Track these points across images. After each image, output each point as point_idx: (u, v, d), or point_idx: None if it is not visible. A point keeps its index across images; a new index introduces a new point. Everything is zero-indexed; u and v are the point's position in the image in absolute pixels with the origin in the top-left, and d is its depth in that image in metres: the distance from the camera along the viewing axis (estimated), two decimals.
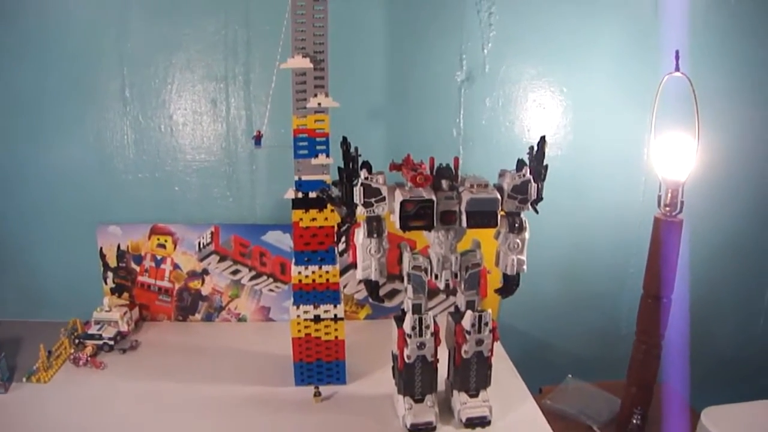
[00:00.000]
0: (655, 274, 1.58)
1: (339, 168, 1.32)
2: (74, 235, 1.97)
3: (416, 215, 1.28)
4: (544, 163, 1.35)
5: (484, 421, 1.44)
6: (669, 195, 1.55)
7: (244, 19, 1.84)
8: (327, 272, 1.54)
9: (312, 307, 1.56)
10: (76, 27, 1.83)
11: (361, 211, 1.32)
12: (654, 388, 1.66)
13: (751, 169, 2.08)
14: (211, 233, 1.93)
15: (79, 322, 1.83)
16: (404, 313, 1.41)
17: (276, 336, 1.83)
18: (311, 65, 1.42)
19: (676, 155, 1.52)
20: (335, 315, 1.56)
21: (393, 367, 1.48)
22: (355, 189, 1.31)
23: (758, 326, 2.29)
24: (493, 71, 1.93)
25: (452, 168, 1.34)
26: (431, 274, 1.39)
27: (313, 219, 1.51)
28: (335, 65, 1.44)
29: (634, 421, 1.64)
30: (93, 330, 1.80)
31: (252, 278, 1.97)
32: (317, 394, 1.54)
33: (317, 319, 1.56)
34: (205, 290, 1.98)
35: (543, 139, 1.34)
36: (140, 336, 1.89)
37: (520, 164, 1.35)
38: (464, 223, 1.30)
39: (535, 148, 1.35)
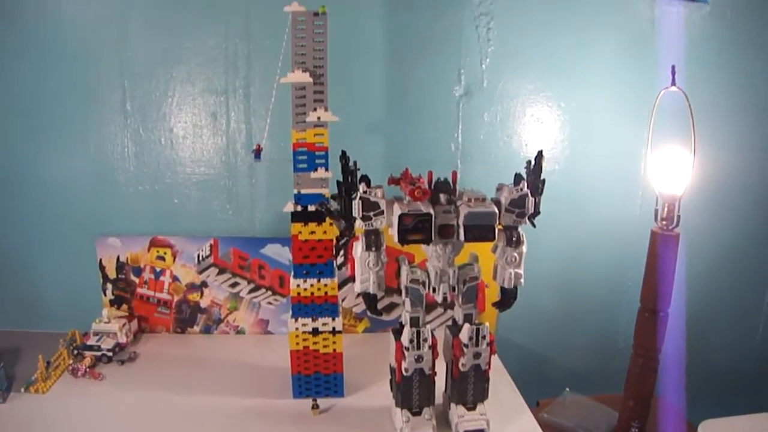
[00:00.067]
0: (652, 288, 1.59)
1: (338, 182, 1.33)
2: (74, 246, 1.97)
3: (414, 229, 1.28)
4: (542, 178, 1.36)
5: None
6: (666, 209, 1.55)
7: (244, 34, 1.85)
8: (325, 285, 1.55)
9: (310, 319, 1.56)
10: (78, 41, 1.85)
11: (359, 225, 1.33)
12: (651, 402, 1.66)
13: (747, 183, 2.10)
14: (211, 246, 1.94)
15: (77, 333, 1.84)
16: (402, 326, 1.42)
17: (274, 348, 1.84)
18: (311, 80, 1.43)
19: (673, 169, 1.53)
20: (333, 328, 1.57)
21: (391, 380, 1.49)
22: (353, 202, 1.32)
23: (755, 340, 2.29)
24: (492, 86, 1.94)
25: (450, 182, 1.35)
26: (429, 288, 1.39)
27: (312, 232, 1.52)
28: (335, 80, 1.45)
29: None
30: (92, 341, 1.79)
31: (251, 291, 1.97)
32: (315, 406, 1.54)
33: (315, 331, 1.57)
34: (204, 302, 1.98)
35: (540, 153, 1.36)
36: (139, 348, 1.89)
37: (518, 178, 1.36)
38: (462, 237, 1.31)
39: (533, 163, 1.36)
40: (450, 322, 1.51)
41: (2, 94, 1.88)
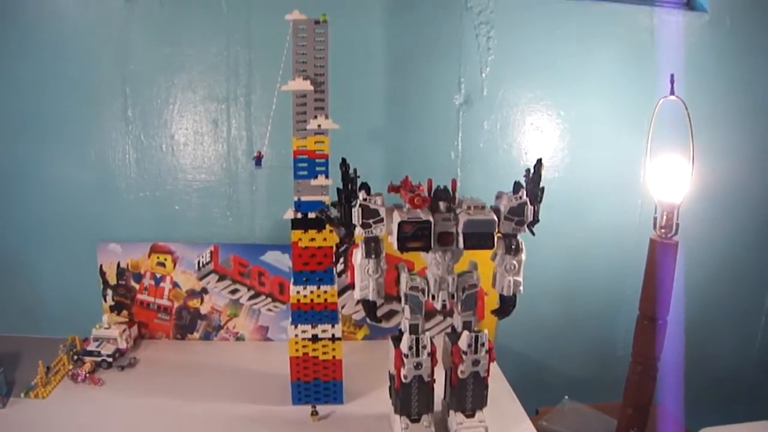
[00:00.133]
0: (650, 296, 1.59)
1: (338, 189, 1.34)
2: (75, 252, 1.97)
3: (414, 236, 1.29)
4: (541, 186, 1.36)
5: None
6: (664, 217, 1.56)
7: (245, 41, 1.86)
8: (325, 292, 1.55)
9: (310, 326, 1.56)
10: (80, 48, 1.86)
11: (359, 232, 1.34)
12: (650, 410, 1.66)
13: (745, 192, 2.11)
14: (211, 252, 1.94)
15: (78, 338, 1.84)
16: (401, 333, 1.42)
17: (274, 355, 1.84)
18: (312, 87, 1.44)
19: (672, 178, 1.54)
20: (333, 335, 1.57)
21: (390, 387, 1.49)
22: (353, 210, 1.32)
23: (754, 347, 2.30)
24: (492, 95, 1.95)
25: (450, 190, 1.35)
26: (428, 295, 1.40)
27: (312, 239, 1.52)
28: (335, 87, 1.46)
29: None
30: (92, 347, 1.80)
31: (251, 298, 1.97)
32: (314, 413, 1.54)
33: (315, 338, 1.57)
34: (204, 309, 1.98)
35: (540, 161, 1.36)
36: (139, 353, 1.89)
37: (517, 186, 1.36)
38: (461, 245, 1.31)
39: (532, 171, 1.37)
40: (449, 330, 1.51)
41: (3, 99, 1.89)
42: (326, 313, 1.56)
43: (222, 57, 1.88)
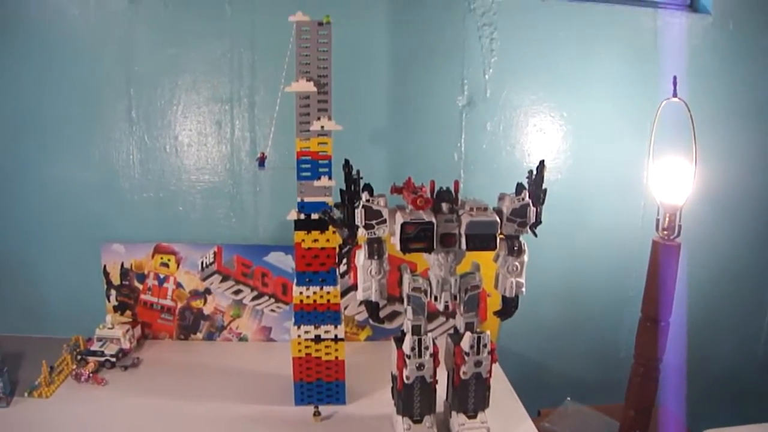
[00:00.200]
0: (653, 298, 1.60)
1: (341, 190, 1.34)
2: (78, 252, 1.98)
3: (416, 237, 1.29)
4: (543, 187, 1.36)
5: None
6: (667, 219, 1.57)
7: (249, 43, 1.87)
8: (328, 293, 1.56)
9: (313, 327, 1.57)
10: (83, 49, 1.86)
11: (362, 233, 1.34)
12: (652, 411, 1.67)
13: (748, 193, 2.10)
14: (214, 253, 1.94)
15: (81, 338, 1.84)
16: (404, 334, 1.42)
17: (277, 356, 1.84)
18: (315, 89, 1.44)
19: (674, 179, 1.55)
20: (336, 335, 1.57)
21: (392, 388, 1.49)
22: (356, 211, 1.32)
23: (756, 349, 2.29)
24: (494, 96, 1.95)
25: (452, 191, 1.35)
26: (431, 296, 1.40)
27: (315, 240, 1.53)
28: (338, 89, 1.46)
29: None
30: (95, 347, 1.80)
31: (254, 298, 1.98)
32: (317, 413, 1.55)
33: (318, 339, 1.57)
34: (207, 309, 1.99)
35: (542, 163, 1.36)
36: (142, 354, 1.89)
37: (519, 188, 1.36)
38: (464, 246, 1.31)
39: (534, 172, 1.37)
40: (451, 331, 1.52)
41: (6, 100, 1.89)
42: (329, 314, 1.57)
43: (226, 58, 1.88)
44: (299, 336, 1.57)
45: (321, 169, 1.49)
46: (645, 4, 1.98)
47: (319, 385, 1.61)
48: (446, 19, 1.90)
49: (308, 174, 1.49)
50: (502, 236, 1.36)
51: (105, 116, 1.91)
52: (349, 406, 1.62)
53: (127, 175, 1.95)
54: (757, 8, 2.00)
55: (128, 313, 1.99)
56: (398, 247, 1.30)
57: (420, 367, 1.39)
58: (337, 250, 1.49)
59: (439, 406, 1.49)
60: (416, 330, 1.40)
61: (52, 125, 1.90)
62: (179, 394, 1.66)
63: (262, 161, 1.52)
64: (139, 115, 1.91)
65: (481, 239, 1.31)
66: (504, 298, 1.42)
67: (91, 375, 1.71)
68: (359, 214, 1.32)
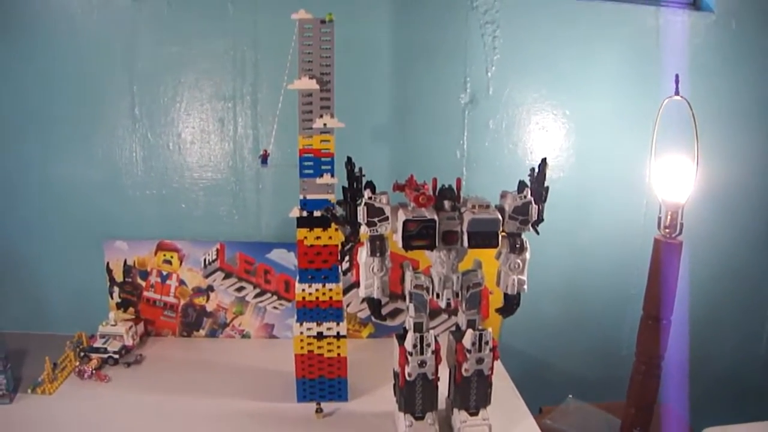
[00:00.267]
0: (655, 295, 1.60)
1: (343, 188, 1.34)
2: (81, 249, 1.98)
3: (418, 235, 1.29)
4: (545, 185, 1.37)
5: None
6: (669, 217, 1.57)
7: (252, 40, 1.87)
8: (330, 290, 1.56)
9: (315, 324, 1.57)
10: (87, 47, 1.87)
11: (364, 231, 1.34)
12: (654, 409, 1.67)
13: (750, 192, 2.10)
14: (217, 250, 1.95)
15: (84, 335, 1.84)
16: (406, 331, 1.42)
17: (279, 353, 1.84)
18: (318, 86, 1.44)
19: (676, 178, 1.55)
20: (338, 332, 1.58)
21: (394, 385, 1.49)
22: (358, 208, 1.33)
23: (758, 347, 2.29)
24: (497, 94, 1.96)
25: (454, 189, 1.36)
26: (433, 294, 1.40)
27: (318, 237, 1.53)
28: (341, 86, 1.47)
29: None
30: (98, 344, 1.81)
31: (256, 295, 1.98)
32: (319, 410, 1.55)
33: (320, 336, 1.57)
34: (210, 306, 1.99)
35: (544, 161, 1.36)
36: (145, 350, 1.90)
37: (521, 186, 1.36)
38: (466, 243, 1.31)
39: (537, 170, 1.37)
40: (453, 328, 1.52)
41: (10, 97, 1.90)
42: (331, 311, 1.57)
43: (228, 56, 1.88)
44: (302, 333, 1.57)
45: (323, 167, 1.49)
46: (648, 3, 1.98)
47: (322, 382, 1.61)
48: (449, 16, 1.90)
49: (311, 171, 1.49)
50: (504, 234, 1.36)
51: (108, 114, 1.92)
52: (351, 403, 1.62)
53: (130, 173, 1.95)
54: (759, 7, 1.99)
55: (131, 310, 2.00)
56: (400, 245, 1.31)
57: (422, 364, 1.39)
58: (340, 247, 1.50)
59: (441, 403, 1.50)
60: (418, 327, 1.40)
61: (55, 123, 1.91)
62: (182, 391, 1.66)
63: (264, 158, 1.53)
64: (142, 112, 1.91)
65: (483, 237, 1.31)
66: (506, 295, 1.43)
67: (94, 372, 1.72)
68: (362, 212, 1.32)
